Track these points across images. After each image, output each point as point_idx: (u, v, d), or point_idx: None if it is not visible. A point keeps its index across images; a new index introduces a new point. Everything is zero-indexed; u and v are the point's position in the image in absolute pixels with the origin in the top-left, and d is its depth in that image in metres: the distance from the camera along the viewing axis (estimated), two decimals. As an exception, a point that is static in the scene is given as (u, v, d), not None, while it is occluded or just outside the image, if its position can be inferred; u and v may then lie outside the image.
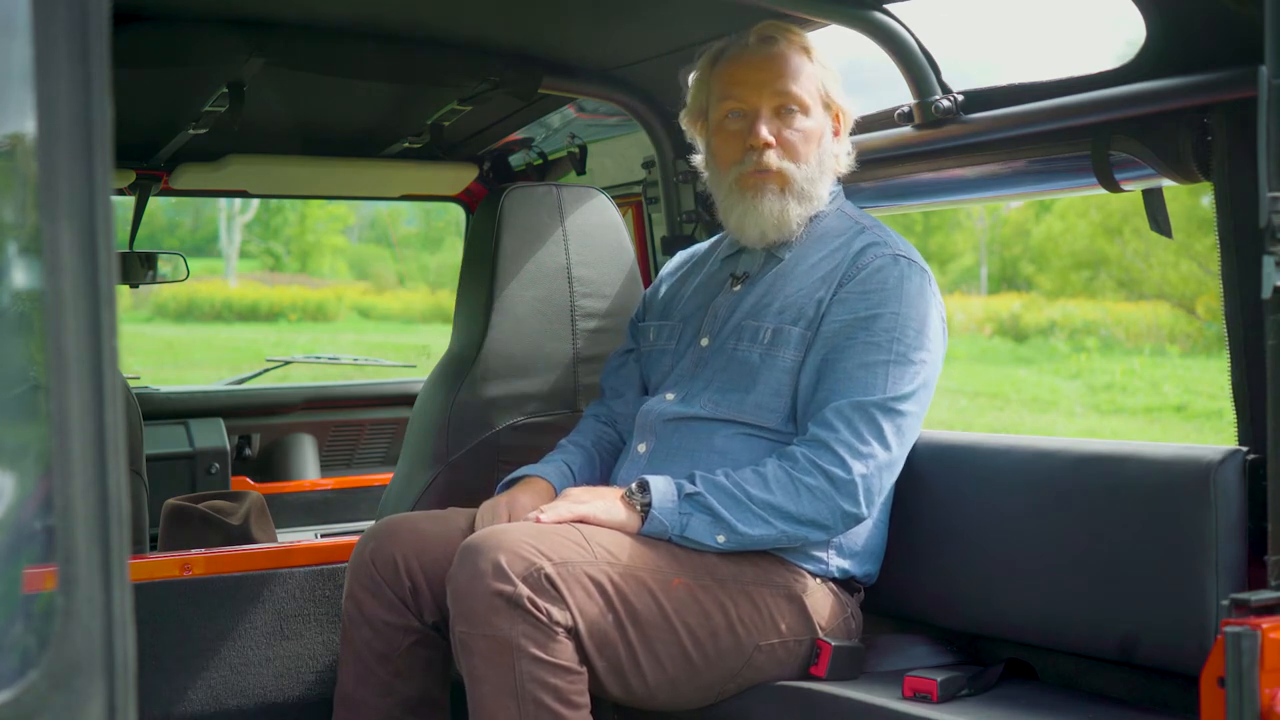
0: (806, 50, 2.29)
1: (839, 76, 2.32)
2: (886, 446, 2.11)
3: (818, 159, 2.28)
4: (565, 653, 1.95)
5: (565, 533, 2.01)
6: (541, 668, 1.92)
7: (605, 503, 2.10)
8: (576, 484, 2.34)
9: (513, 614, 1.90)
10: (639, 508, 2.09)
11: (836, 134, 2.33)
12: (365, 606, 2.19)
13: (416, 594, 2.17)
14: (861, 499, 2.09)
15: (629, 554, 2.04)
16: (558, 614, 1.93)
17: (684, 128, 2.46)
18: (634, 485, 2.11)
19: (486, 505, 2.24)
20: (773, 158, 2.25)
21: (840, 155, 2.35)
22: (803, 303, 2.23)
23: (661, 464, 2.25)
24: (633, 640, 2.02)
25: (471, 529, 2.20)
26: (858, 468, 2.08)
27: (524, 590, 1.90)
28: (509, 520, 2.17)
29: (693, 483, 2.10)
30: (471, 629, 1.93)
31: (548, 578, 1.92)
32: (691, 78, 2.42)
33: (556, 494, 2.29)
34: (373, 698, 2.19)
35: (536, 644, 1.91)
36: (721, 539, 2.09)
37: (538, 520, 2.05)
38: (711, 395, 2.25)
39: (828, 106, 2.31)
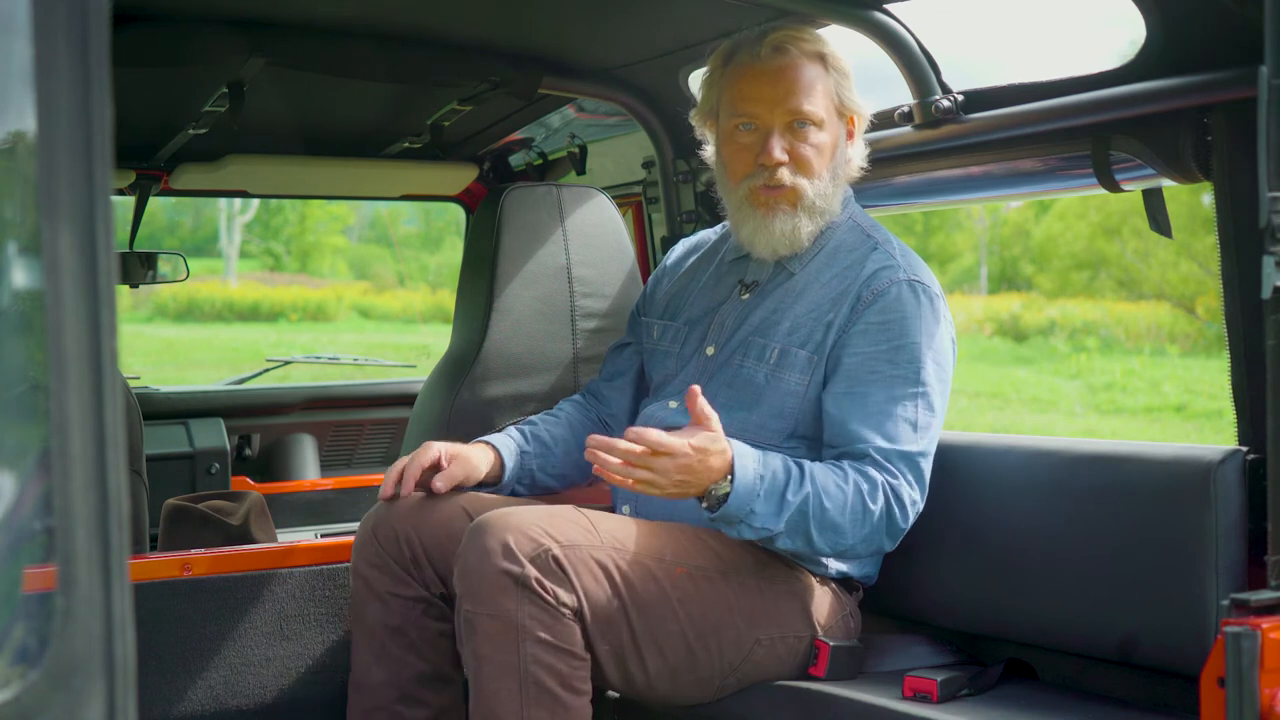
0: (821, 57, 2.24)
1: (851, 77, 2.28)
2: (924, 495, 2.16)
3: (831, 172, 2.25)
4: (570, 636, 1.95)
5: (573, 517, 2.02)
6: (546, 650, 1.93)
7: (683, 491, 1.99)
8: (528, 460, 2.36)
9: (520, 594, 1.91)
10: (715, 497, 2.00)
11: (850, 137, 2.30)
12: (373, 582, 2.19)
13: (418, 563, 2.18)
14: (897, 541, 2.15)
15: (635, 541, 2.05)
16: (564, 596, 1.93)
17: (694, 125, 2.43)
18: (721, 496, 2.00)
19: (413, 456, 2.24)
20: (785, 175, 2.22)
21: (854, 159, 2.32)
22: (812, 325, 2.22)
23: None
24: (636, 626, 2.02)
25: (472, 508, 2.21)
26: (910, 516, 2.13)
27: (531, 571, 1.91)
28: (405, 470, 2.21)
29: (780, 511, 2.01)
30: (477, 608, 1.94)
31: (555, 559, 1.93)
32: (701, 76, 2.38)
33: (503, 464, 2.31)
34: (386, 674, 2.19)
35: (542, 626, 1.92)
36: (758, 541, 2.09)
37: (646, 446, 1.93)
38: (714, 411, 2.24)
39: (841, 113, 2.27)
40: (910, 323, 2.16)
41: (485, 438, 2.36)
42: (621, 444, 1.95)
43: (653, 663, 2.06)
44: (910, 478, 2.12)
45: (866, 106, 2.31)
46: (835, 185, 2.27)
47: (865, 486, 2.08)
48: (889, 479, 2.10)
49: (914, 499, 2.13)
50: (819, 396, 2.20)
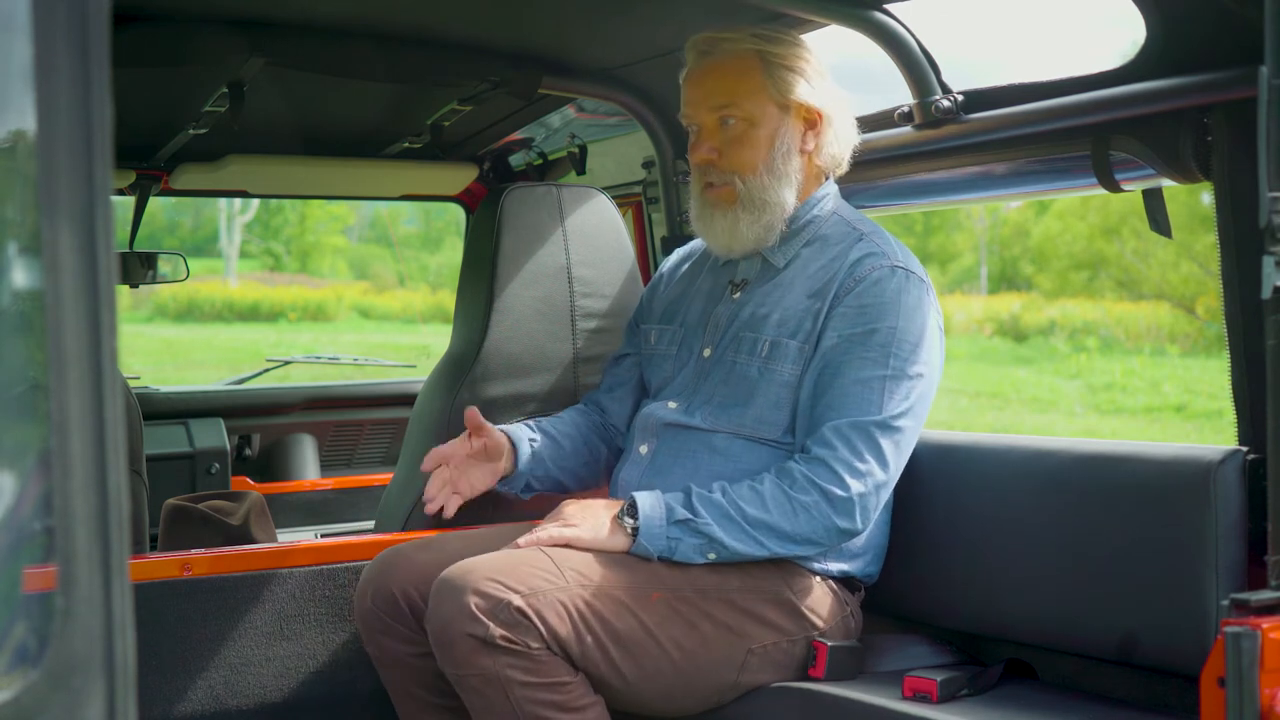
0: (761, 55, 2.23)
1: (811, 73, 2.25)
2: (884, 465, 2.11)
3: (767, 166, 2.24)
4: (554, 669, 1.96)
5: (535, 561, 2.01)
6: (536, 689, 1.95)
7: (594, 523, 2.11)
8: (539, 448, 2.38)
9: (492, 652, 1.92)
10: (629, 530, 2.10)
11: (814, 129, 2.28)
12: (385, 648, 2.21)
13: (419, 617, 2.17)
14: (858, 516, 2.09)
15: (602, 574, 2.03)
16: (534, 642, 1.94)
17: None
18: (624, 506, 2.11)
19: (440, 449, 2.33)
20: (714, 174, 2.26)
21: (824, 151, 2.29)
22: (800, 315, 2.22)
23: (664, 465, 2.26)
24: (616, 659, 2.02)
25: (464, 554, 2.22)
26: (855, 486, 2.08)
27: (496, 630, 1.91)
28: (437, 460, 2.30)
29: (687, 504, 2.09)
30: (459, 670, 1.97)
31: (518, 609, 1.93)
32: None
33: (516, 457, 2.35)
34: (432, 717, 2.22)
35: (524, 670, 1.94)
36: (712, 556, 2.09)
37: (517, 546, 2.07)
38: (711, 409, 2.25)
39: (785, 108, 2.25)
40: (888, 307, 2.15)
41: (501, 428, 2.38)
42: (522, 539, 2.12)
43: (640, 686, 2.06)
44: (860, 447, 2.08)
45: (831, 102, 2.27)
46: (778, 180, 2.25)
47: (784, 482, 2.08)
48: (818, 453, 2.08)
49: (856, 469, 2.08)
50: None
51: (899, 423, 2.12)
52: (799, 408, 2.19)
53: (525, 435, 2.39)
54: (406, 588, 2.17)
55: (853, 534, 2.12)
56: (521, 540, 2.09)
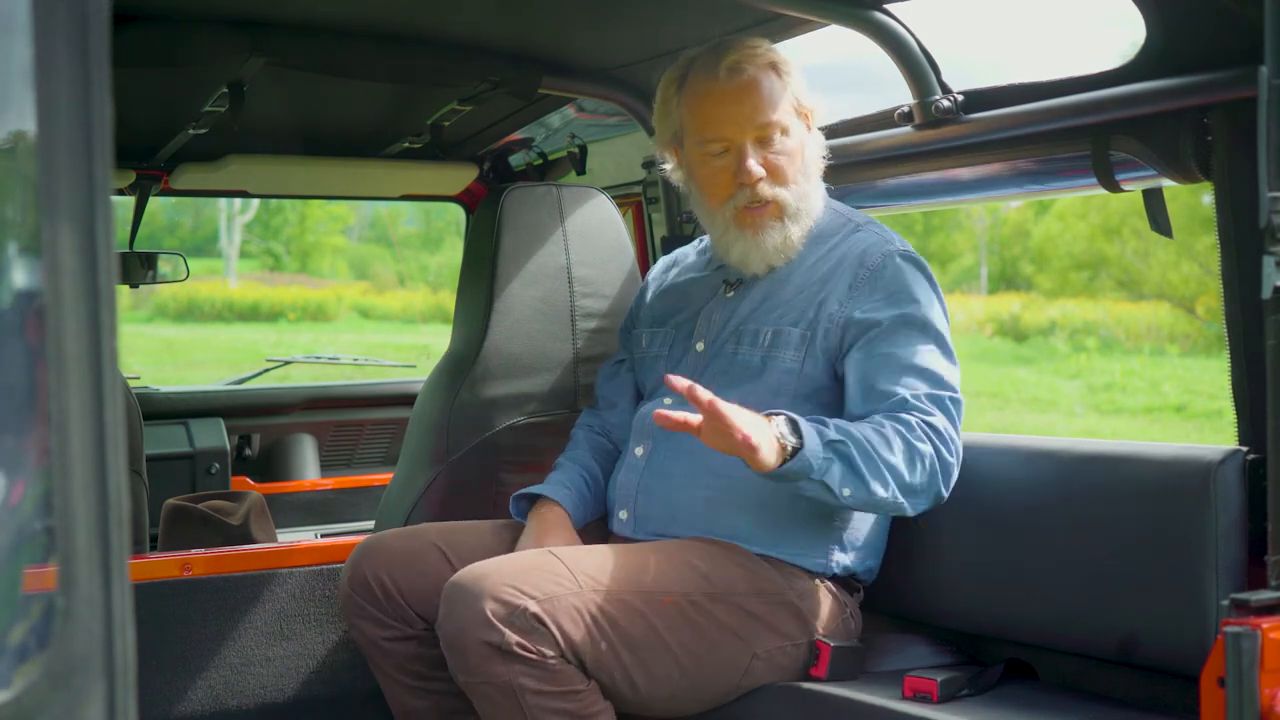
0: (775, 66, 2.26)
1: (801, 75, 2.29)
2: (959, 434, 2.14)
3: (804, 173, 2.28)
4: (568, 677, 1.96)
5: (549, 565, 2.00)
6: (549, 698, 1.94)
7: (759, 432, 1.91)
8: (584, 503, 2.35)
9: (507, 660, 1.91)
10: (789, 449, 1.94)
11: (809, 130, 2.32)
12: (365, 630, 2.22)
13: (394, 603, 2.20)
14: (951, 485, 2.11)
15: (616, 577, 2.03)
16: (549, 649, 1.93)
17: (658, 154, 2.42)
18: (783, 424, 1.95)
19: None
20: (765, 189, 2.23)
21: (819, 149, 2.33)
22: (803, 305, 2.23)
23: (661, 465, 2.26)
24: (627, 663, 2.02)
25: (443, 542, 2.24)
26: (955, 454, 2.11)
27: (512, 637, 1.90)
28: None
29: (838, 428, 2.01)
30: (471, 678, 1.96)
31: (534, 616, 1.92)
32: (655, 102, 2.37)
33: (572, 521, 2.31)
34: (423, 702, 2.24)
35: (537, 679, 1.93)
36: (848, 493, 1.99)
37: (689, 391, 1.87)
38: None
39: (800, 113, 2.29)
40: (913, 288, 2.20)
41: (546, 493, 2.32)
42: (693, 419, 1.90)
43: (648, 691, 2.06)
44: (946, 418, 2.11)
45: (819, 103, 2.32)
46: (812, 186, 2.30)
47: (903, 429, 2.06)
48: (925, 417, 2.09)
49: (953, 435, 2.11)
50: (813, 373, 2.21)
51: (958, 393, 2.16)
52: (850, 392, 2.17)
53: (581, 504, 2.36)
54: (380, 573, 2.20)
55: (939, 500, 2.11)
56: (702, 392, 1.86)
